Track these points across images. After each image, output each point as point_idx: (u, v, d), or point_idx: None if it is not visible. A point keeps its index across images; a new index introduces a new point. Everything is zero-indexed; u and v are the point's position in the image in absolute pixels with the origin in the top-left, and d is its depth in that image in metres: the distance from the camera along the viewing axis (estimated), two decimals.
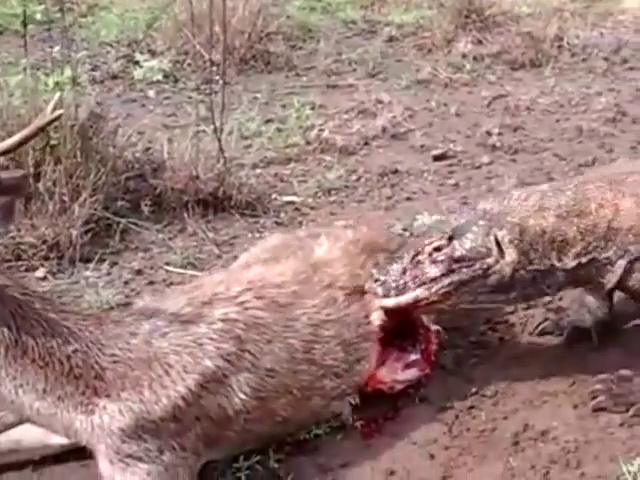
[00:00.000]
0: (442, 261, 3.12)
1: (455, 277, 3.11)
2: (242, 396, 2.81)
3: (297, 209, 4.56)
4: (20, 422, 2.98)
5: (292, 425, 3.00)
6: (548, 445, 3.05)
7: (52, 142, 4.12)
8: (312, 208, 4.56)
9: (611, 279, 3.15)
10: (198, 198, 4.42)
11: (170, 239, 4.28)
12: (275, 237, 3.63)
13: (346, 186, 4.77)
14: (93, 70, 6.09)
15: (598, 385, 3.23)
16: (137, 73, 5.98)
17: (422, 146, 5.22)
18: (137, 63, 6.07)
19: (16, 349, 2.64)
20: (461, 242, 3.12)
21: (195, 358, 2.76)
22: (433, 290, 3.12)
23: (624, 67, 6.37)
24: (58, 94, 2.92)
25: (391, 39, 6.79)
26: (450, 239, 3.13)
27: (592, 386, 3.25)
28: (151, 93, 5.83)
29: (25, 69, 4.68)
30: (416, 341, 3.27)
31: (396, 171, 4.92)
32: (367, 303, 3.17)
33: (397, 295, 3.13)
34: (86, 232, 4.12)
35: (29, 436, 2.97)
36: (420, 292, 3.12)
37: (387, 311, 3.16)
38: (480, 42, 6.60)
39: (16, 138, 2.64)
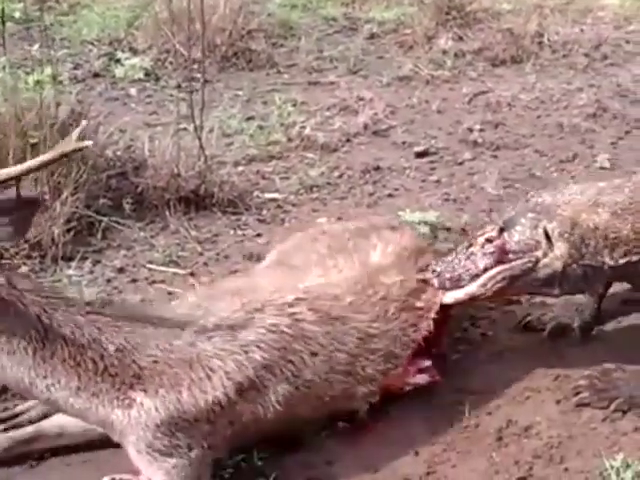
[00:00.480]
0: (493, 253, 3.13)
1: (508, 272, 3.12)
2: (276, 405, 2.83)
3: (279, 206, 4.55)
4: (45, 416, 3.03)
5: (309, 423, 3.02)
6: (531, 440, 3.07)
7: (32, 141, 4.10)
8: (294, 205, 4.56)
9: None
10: (180, 196, 4.41)
11: (152, 237, 4.27)
12: (324, 228, 3.58)
13: (328, 183, 4.76)
14: (75, 68, 6.05)
15: (582, 381, 3.24)
16: (118, 71, 5.95)
17: (404, 143, 5.21)
18: (118, 61, 6.03)
19: (44, 350, 2.66)
20: (510, 234, 3.13)
21: (239, 365, 2.77)
22: (489, 286, 3.14)
23: (604, 63, 6.38)
24: (84, 122, 2.85)
25: (372, 36, 6.77)
26: (501, 230, 3.14)
27: (575, 382, 3.26)
28: (133, 91, 5.80)
29: (4, 67, 4.66)
30: (431, 347, 3.26)
31: (378, 168, 4.92)
32: (416, 312, 3.16)
33: (451, 287, 3.16)
34: (68, 230, 4.10)
35: (73, 421, 2.97)
36: (476, 289, 3.14)
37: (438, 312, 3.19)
38: (461, 39, 6.60)
39: (36, 161, 2.65)
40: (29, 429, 3.03)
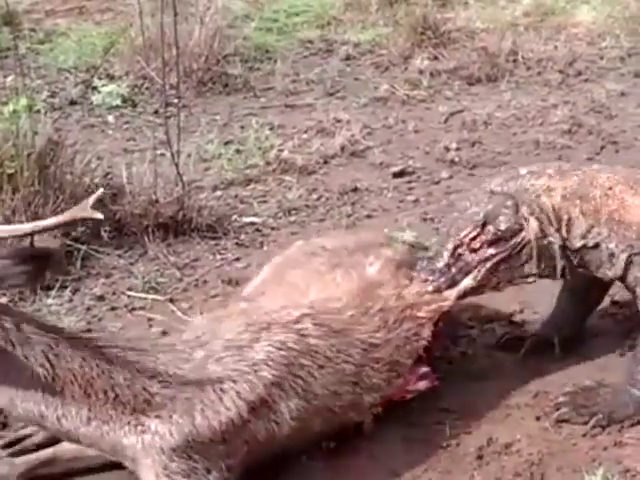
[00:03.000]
0: (481, 247, 3.20)
1: (494, 258, 3.20)
2: (290, 421, 2.87)
3: (258, 230, 4.56)
4: (52, 442, 3.04)
5: (318, 437, 3.06)
6: (512, 458, 3.07)
7: (9, 171, 4.11)
8: (273, 228, 4.57)
9: (615, 271, 3.21)
10: (158, 222, 4.41)
11: (131, 264, 4.27)
12: (325, 241, 3.62)
13: (306, 205, 4.78)
14: (52, 97, 6.06)
15: (562, 397, 3.26)
16: (96, 98, 5.96)
17: (381, 163, 5.24)
18: (95, 88, 6.04)
19: (53, 386, 2.70)
20: (496, 225, 3.19)
21: (250, 384, 2.81)
22: (476, 277, 3.21)
23: (579, 79, 6.42)
24: (101, 190, 2.96)
25: (348, 58, 6.81)
26: (484, 225, 3.20)
27: (556, 398, 3.28)
28: (110, 118, 5.81)
29: None
30: (430, 353, 3.32)
31: (356, 189, 4.94)
32: (417, 321, 3.22)
33: (447, 288, 3.23)
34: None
35: (68, 447, 3.01)
36: (466, 282, 3.21)
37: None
38: (436, 58, 6.64)
39: (50, 221, 2.75)
40: (47, 452, 3.05)
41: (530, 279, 3.33)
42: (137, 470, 2.82)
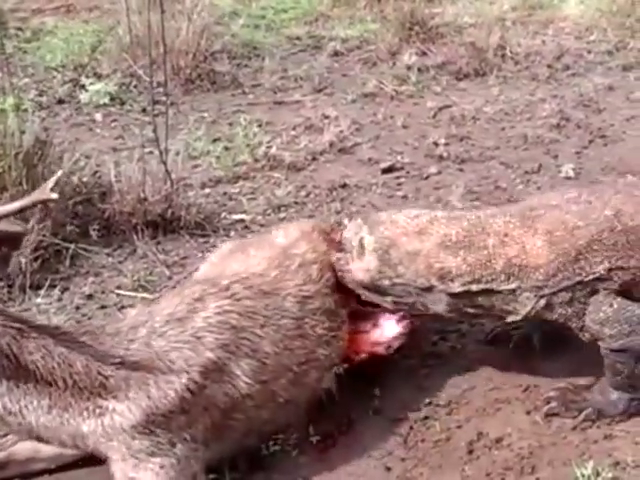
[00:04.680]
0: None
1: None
2: (246, 380, 2.92)
3: (247, 227, 4.56)
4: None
5: (291, 407, 3.08)
6: (502, 452, 3.08)
7: None
8: (262, 225, 4.56)
9: (520, 310, 3.17)
10: (147, 220, 4.41)
11: (120, 262, 4.27)
12: (228, 244, 3.69)
13: (295, 202, 4.78)
14: (39, 95, 6.05)
15: (552, 392, 3.27)
16: (83, 97, 5.95)
17: (370, 159, 5.24)
18: (83, 87, 6.03)
19: (17, 377, 2.73)
20: (341, 229, 3.34)
21: (196, 351, 2.85)
22: None
23: (567, 73, 6.44)
24: (60, 172, 3.10)
25: (336, 54, 6.82)
26: (339, 224, 3.42)
27: (546, 392, 3.29)
28: (98, 116, 5.80)
29: None
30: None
31: (345, 185, 4.94)
32: (334, 271, 3.31)
33: None
34: (35, 259, 4.09)
35: (23, 448, 3.04)
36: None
37: None
38: (424, 53, 6.65)
39: (14, 206, 2.78)
40: (0, 455, 3.05)
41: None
42: (105, 454, 2.84)
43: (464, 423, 3.22)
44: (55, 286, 4.07)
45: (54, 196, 2.76)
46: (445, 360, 3.54)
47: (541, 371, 3.43)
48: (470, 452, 3.08)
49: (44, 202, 2.99)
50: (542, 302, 3.13)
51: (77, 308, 3.95)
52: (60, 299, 4.01)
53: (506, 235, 3.12)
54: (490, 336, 3.63)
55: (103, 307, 3.96)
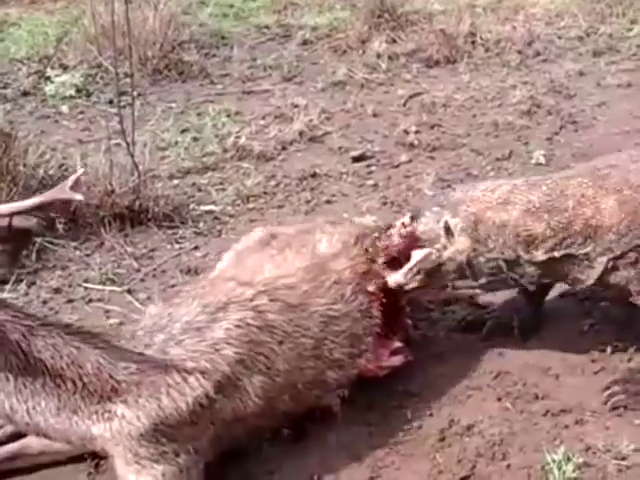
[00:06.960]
0: (406, 237, 3.22)
1: (420, 264, 3.18)
2: (254, 397, 2.86)
3: (216, 218, 4.52)
4: (21, 434, 3.01)
5: (287, 418, 3.04)
6: (474, 439, 3.06)
7: None
8: (231, 216, 4.53)
9: (591, 275, 3.18)
10: (114, 212, 4.36)
11: (88, 255, 4.22)
12: (258, 231, 3.58)
13: (265, 192, 4.74)
14: (4, 88, 6.00)
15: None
16: (49, 89, 5.89)
17: (340, 148, 5.21)
18: (48, 79, 5.98)
19: (26, 376, 2.68)
20: (417, 224, 3.22)
21: (213, 363, 2.80)
22: (409, 277, 3.20)
23: (537, 60, 6.44)
24: (81, 170, 3.01)
25: (305, 42, 6.79)
26: (412, 218, 3.23)
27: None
28: (64, 108, 5.74)
29: None
30: (398, 328, 3.33)
31: (315, 174, 4.91)
32: (369, 296, 3.21)
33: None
34: (1, 252, 4.04)
35: (35, 441, 3.00)
36: (402, 278, 3.19)
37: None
38: (394, 41, 6.64)
39: (29, 202, 2.74)
40: (12, 446, 3.03)
41: (477, 291, 3.34)
42: (109, 454, 2.81)
43: (435, 411, 3.19)
44: (22, 280, 4.02)
45: (79, 197, 2.71)
46: (416, 347, 3.50)
47: (512, 358, 3.41)
48: (442, 439, 3.06)
49: (65, 201, 2.89)
50: (610, 265, 3.14)
51: (44, 302, 3.90)
52: (27, 293, 3.96)
53: (583, 196, 3.15)
54: (462, 324, 3.61)
55: (70, 301, 3.91)
